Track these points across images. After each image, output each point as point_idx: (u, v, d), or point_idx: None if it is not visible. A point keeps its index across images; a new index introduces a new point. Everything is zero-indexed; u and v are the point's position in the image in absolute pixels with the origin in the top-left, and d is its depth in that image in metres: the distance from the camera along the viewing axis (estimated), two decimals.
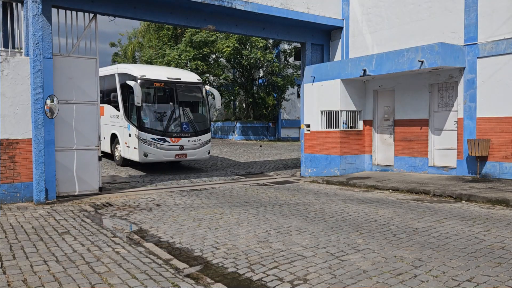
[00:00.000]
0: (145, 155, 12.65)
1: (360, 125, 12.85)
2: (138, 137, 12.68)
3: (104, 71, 16.30)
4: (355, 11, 13.06)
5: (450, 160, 11.10)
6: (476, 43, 10.32)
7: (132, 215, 7.51)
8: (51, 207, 8.16)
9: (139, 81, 12.73)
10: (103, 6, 9.74)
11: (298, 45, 15.42)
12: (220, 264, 4.89)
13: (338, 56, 13.49)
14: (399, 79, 12.07)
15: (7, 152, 8.50)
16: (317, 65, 13.03)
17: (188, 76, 14.39)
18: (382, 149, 12.79)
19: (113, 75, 14.74)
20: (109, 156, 16.09)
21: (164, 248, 5.50)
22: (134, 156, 13.01)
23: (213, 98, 16.02)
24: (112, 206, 8.33)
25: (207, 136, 13.92)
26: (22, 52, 8.89)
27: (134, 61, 41.65)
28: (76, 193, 9.39)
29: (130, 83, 12.62)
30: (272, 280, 4.35)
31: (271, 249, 5.37)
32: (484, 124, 10.24)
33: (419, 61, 10.25)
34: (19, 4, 8.98)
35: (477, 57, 10.31)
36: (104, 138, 15.36)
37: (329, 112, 12.49)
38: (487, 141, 10.06)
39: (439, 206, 7.99)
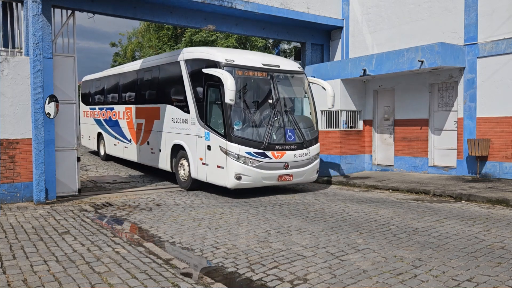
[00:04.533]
0: (238, 177, 8.73)
1: (360, 125, 12.85)
2: (226, 151, 8.81)
3: (158, 59, 12.03)
4: (355, 11, 13.06)
5: (450, 160, 11.11)
6: (476, 43, 10.32)
7: (132, 215, 7.51)
8: (51, 207, 8.16)
9: (226, 68, 8.96)
10: (103, 6, 9.74)
11: (298, 45, 15.46)
12: (220, 264, 4.89)
13: (338, 56, 13.50)
14: (399, 79, 12.07)
15: (7, 152, 8.50)
16: (317, 65, 13.04)
17: (287, 63, 10.26)
18: (382, 149, 12.79)
19: (177, 63, 10.54)
20: (170, 175, 11.59)
21: (164, 248, 5.50)
22: (217, 178, 9.12)
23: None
24: (112, 206, 8.33)
25: (316, 148, 9.98)
26: (22, 52, 8.89)
27: (133, 61, 41.55)
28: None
29: (216, 72, 8.88)
30: (272, 280, 4.35)
31: (271, 249, 5.37)
32: (484, 124, 10.24)
33: (419, 61, 10.25)
34: (19, 4, 8.98)
35: (477, 57, 10.31)
36: (160, 150, 11.33)
37: (329, 112, 12.49)
38: (487, 141, 10.06)
39: (439, 206, 7.99)
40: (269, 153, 8.97)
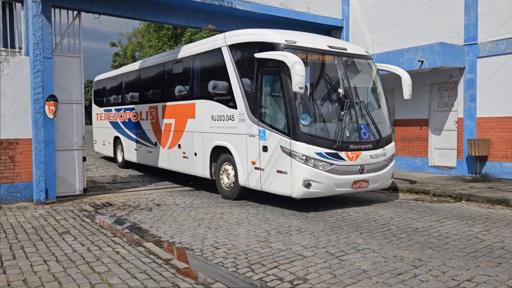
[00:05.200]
0: (307, 184, 7.17)
1: None
2: (291, 152, 7.23)
3: (190, 48, 10.26)
4: (355, 11, 13.06)
5: (450, 160, 11.11)
6: (476, 43, 10.33)
7: (132, 215, 7.51)
8: (51, 207, 8.16)
9: (288, 50, 7.38)
10: (103, 6, 9.74)
11: None
12: (220, 264, 4.89)
13: None
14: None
15: (7, 152, 8.50)
16: None
17: (352, 47, 8.83)
18: None
19: (217, 50, 8.98)
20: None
21: (164, 248, 5.50)
22: (278, 185, 7.56)
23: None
24: (112, 206, 8.34)
25: (392, 147, 8.37)
26: (22, 52, 8.89)
27: (134, 61, 41.59)
28: (59, 194, 9.02)
29: (277, 55, 7.35)
30: (272, 280, 4.35)
31: (271, 249, 5.37)
32: (484, 124, 10.25)
33: (419, 60, 10.26)
34: (19, 4, 8.98)
35: (477, 57, 10.33)
36: (196, 154, 9.72)
37: None
38: (487, 141, 10.06)
39: (439, 206, 7.99)
40: (342, 154, 7.43)
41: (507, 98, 9.85)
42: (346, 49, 8.34)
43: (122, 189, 10.38)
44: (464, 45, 10.52)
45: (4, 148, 8.47)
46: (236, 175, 8.54)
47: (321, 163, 7.26)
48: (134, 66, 13.50)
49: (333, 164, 7.35)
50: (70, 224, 6.71)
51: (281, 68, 7.32)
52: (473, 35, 10.39)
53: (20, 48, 9.01)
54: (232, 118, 8.52)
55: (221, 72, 8.84)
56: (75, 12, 9.40)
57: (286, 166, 7.35)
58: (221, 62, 8.85)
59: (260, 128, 7.84)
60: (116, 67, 45.77)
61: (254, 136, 8.00)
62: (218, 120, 8.94)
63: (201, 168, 9.61)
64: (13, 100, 8.53)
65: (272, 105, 7.78)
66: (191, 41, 27.82)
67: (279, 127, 7.51)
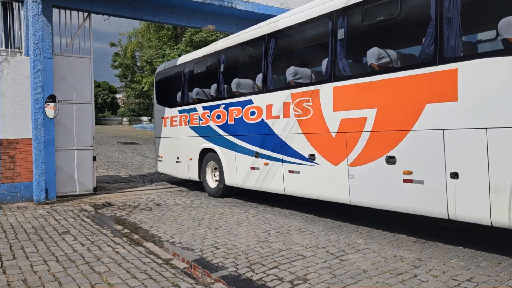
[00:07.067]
0: None
1: None
2: None
3: None
4: None
5: None
6: None
7: (132, 214, 7.51)
8: (51, 207, 8.16)
9: None
10: (104, 6, 9.75)
11: None
12: (220, 264, 4.89)
13: None
14: None
15: (7, 152, 8.50)
16: None
17: None
18: None
19: None
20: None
21: (164, 248, 5.50)
22: None
23: None
24: (112, 206, 8.34)
25: None
26: (22, 52, 8.90)
27: (134, 61, 41.66)
28: (69, 194, 9.31)
29: None
30: (272, 280, 4.34)
31: (271, 248, 5.37)
32: None
33: None
34: (19, 4, 8.98)
35: None
36: (457, 175, 4.80)
37: None
38: None
39: None
40: None
41: None
42: None
43: (122, 189, 10.39)
44: None
45: (4, 148, 8.47)
46: None
47: None
48: (250, 33, 8.18)
49: None
50: (70, 224, 6.71)
51: None
52: None
53: (20, 48, 9.02)
54: None
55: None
56: (85, 14, 9.55)
57: None
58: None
59: None
60: (116, 67, 45.71)
61: None
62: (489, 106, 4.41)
63: (475, 204, 4.74)
64: (13, 100, 8.54)
65: None
66: (191, 41, 27.82)
67: None
